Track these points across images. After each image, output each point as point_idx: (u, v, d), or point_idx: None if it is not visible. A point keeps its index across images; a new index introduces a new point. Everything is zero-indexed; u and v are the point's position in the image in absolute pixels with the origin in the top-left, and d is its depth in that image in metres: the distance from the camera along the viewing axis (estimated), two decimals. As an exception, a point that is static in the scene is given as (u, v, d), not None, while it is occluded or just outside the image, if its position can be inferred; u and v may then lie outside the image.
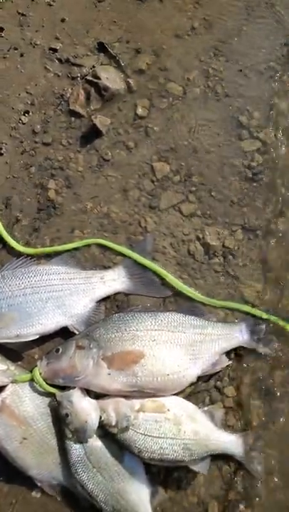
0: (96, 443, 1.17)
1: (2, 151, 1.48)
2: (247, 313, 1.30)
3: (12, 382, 1.21)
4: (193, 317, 1.26)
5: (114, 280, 1.33)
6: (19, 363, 1.28)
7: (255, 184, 1.44)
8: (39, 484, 1.19)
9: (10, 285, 1.28)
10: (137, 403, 1.18)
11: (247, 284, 1.34)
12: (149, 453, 1.15)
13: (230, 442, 1.20)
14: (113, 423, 1.15)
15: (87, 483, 1.16)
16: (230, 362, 1.26)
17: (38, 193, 1.44)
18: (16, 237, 1.39)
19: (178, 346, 1.22)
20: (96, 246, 1.38)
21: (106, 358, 1.18)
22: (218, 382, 1.28)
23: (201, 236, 1.39)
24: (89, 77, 1.52)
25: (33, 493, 1.21)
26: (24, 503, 1.22)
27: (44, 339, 1.30)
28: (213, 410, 1.23)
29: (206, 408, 1.24)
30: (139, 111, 1.51)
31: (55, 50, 1.58)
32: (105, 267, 1.37)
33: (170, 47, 1.58)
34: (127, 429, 1.15)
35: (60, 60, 1.57)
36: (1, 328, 1.24)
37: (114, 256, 1.38)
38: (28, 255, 1.35)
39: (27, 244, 1.39)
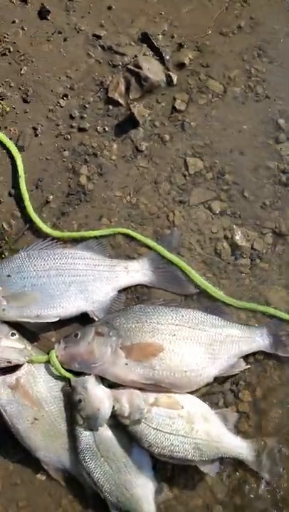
0: (106, 432, 1.16)
1: (37, 132, 1.47)
2: (271, 317, 1.28)
3: (28, 362, 1.21)
4: (215, 316, 1.25)
5: (138, 271, 1.32)
6: (35, 343, 1.28)
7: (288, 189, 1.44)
8: (45, 467, 1.19)
9: (35, 265, 1.27)
10: (151, 397, 1.16)
11: (273, 288, 1.32)
12: (160, 448, 1.14)
13: (242, 448, 1.18)
14: (126, 414, 1.14)
15: (94, 472, 1.15)
16: (248, 366, 1.24)
17: (69, 178, 1.44)
18: (44, 219, 1.39)
19: (198, 344, 1.20)
20: (122, 236, 1.38)
21: (125, 347, 1.17)
22: (234, 386, 1.26)
23: (229, 235, 1.37)
24: (130, 66, 1.51)
25: (38, 476, 1.21)
26: (28, 484, 1.21)
27: (62, 323, 1.29)
28: (226, 413, 1.21)
29: (219, 410, 1.22)
30: (178, 105, 1.50)
31: (98, 37, 1.58)
32: (130, 258, 1.36)
33: (214, 44, 1.57)
34: (139, 421, 1.14)
35: (102, 47, 1.56)
36: (22, 307, 1.23)
37: (139, 247, 1.37)
38: (54, 238, 1.36)
39: (54, 227, 1.39)
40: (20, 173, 1.41)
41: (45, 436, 1.18)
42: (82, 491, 1.19)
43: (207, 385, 1.22)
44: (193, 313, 1.23)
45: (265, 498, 1.19)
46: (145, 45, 1.56)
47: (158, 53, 1.55)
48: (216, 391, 1.25)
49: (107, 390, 1.17)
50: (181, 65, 1.54)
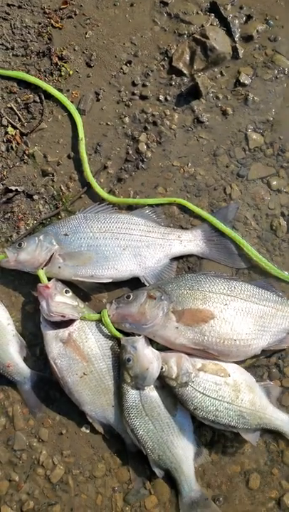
0: (152, 393, 1.19)
1: (99, 97, 1.48)
2: None
3: (80, 319, 1.25)
4: (266, 291, 1.25)
5: (191, 241, 1.33)
6: (87, 303, 1.31)
7: None
8: (90, 420, 1.23)
9: (91, 227, 1.30)
10: (199, 362, 1.19)
11: None
12: (205, 412, 1.16)
13: (285, 421, 1.19)
14: (174, 376, 1.16)
15: (138, 429, 1.18)
16: (298, 342, 1.27)
17: (128, 144, 1.45)
18: (101, 183, 1.41)
19: (248, 315, 1.21)
20: (177, 206, 1.39)
21: (176, 311, 1.19)
22: (280, 361, 1.26)
23: (286, 213, 1.36)
24: (197, 36, 1.49)
25: (83, 428, 1.25)
26: (73, 435, 1.25)
27: (113, 286, 1.32)
28: (270, 387, 1.23)
29: (263, 383, 1.24)
30: (242, 78, 1.48)
31: (165, 4, 1.55)
32: (183, 228, 1.37)
33: (284, 18, 1.53)
34: (186, 384, 1.16)
35: (169, 15, 1.55)
36: (78, 266, 1.27)
37: (193, 218, 1.38)
38: (110, 203, 1.38)
39: (110, 192, 1.41)
40: (80, 136, 1.42)
41: (93, 391, 1.22)
42: (124, 446, 1.23)
43: (254, 357, 1.24)
44: (245, 286, 1.24)
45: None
46: (213, 15, 1.54)
47: (225, 24, 1.52)
48: (262, 364, 1.26)
49: (156, 352, 1.20)
50: (248, 38, 1.51)
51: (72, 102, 1.47)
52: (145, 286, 1.28)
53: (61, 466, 1.24)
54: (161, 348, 1.23)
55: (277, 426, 1.20)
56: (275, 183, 1.39)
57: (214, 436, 1.24)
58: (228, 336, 1.18)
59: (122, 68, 1.52)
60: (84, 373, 1.21)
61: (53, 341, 1.22)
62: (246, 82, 1.48)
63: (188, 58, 1.50)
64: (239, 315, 1.20)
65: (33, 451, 1.25)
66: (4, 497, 1.22)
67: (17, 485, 1.23)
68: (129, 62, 1.52)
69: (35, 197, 1.42)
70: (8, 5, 1.56)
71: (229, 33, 1.52)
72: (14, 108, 1.48)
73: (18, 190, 1.42)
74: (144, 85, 1.49)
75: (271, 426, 1.20)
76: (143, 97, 1.48)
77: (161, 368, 1.18)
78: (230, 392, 1.16)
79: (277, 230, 1.35)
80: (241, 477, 1.22)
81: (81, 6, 1.57)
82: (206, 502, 1.18)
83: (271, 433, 1.23)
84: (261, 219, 1.36)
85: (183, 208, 1.38)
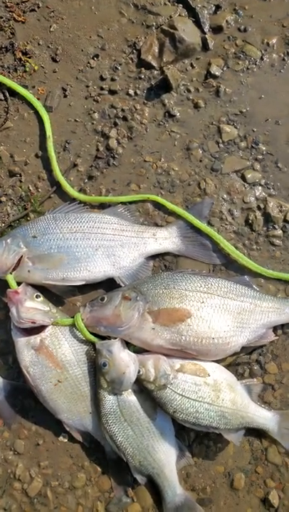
0: (130, 397, 1.15)
1: (66, 93, 1.43)
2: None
3: (53, 324, 1.19)
4: (244, 286, 1.23)
5: (166, 239, 1.29)
6: (60, 308, 1.26)
7: None
8: (67, 429, 1.18)
9: (61, 227, 1.25)
10: (177, 363, 1.15)
11: (304, 261, 1.31)
12: (184, 415, 1.13)
13: (267, 418, 1.17)
14: (151, 379, 1.12)
15: (117, 435, 1.14)
16: (277, 337, 1.22)
17: (98, 141, 1.40)
18: (71, 182, 1.36)
19: (226, 312, 1.18)
20: (151, 202, 1.35)
21: (152, 312, 1.15)
22: (261, 357, 1.24)
23: (262, 206, 1.34)
24: (165, 27, 1.45)
25: (60, 438, 1.20)
26: (51, 445, 1.20)
27: (87, 289, 1.27)
28: (251, 384, 1.20)
29: (244, 381, 1.21)
30: (213, 70, 1.44)
31: (132, -4, 1.54)
32: (158, 225, 1.33)
33: (253, 8, 1.50)
34: (164, 387, 1.12)
35: (136, 6, 1.50)
36: (48, 269, 1.21)
37: (167, 215, 1.34)
38: (81, 202, 1.33)
39: (81, 191, 1.36)
40: (48, 134, 1.37)
41: (68, 399, 1.17)
42: (104, 454, 1.18)
43: (234, 354, 1.20)
44: (222, 282, 1.21)
45: (287, 468, 1.19)
46: (181, 5, 1.50)
47: (194, 15, 1.49)
48: (243, 361, 1.23)
49: (133, 355, 1.16)
50: (217, 29, 1.48)
51: (38, 98, 1.41)
52: (120, 287, 1.24)
53: (39, 479, 1.18)
54: (138, 350, 1.18)
55: (260, 424, 1.17)
56: (249, 176, 1.36)
57: (197, 437, 1.20)
58: (205, 334, 1.14)
59: (89, 62, 1.47)
60: (58, 381, 1.16)
61: (25, 349, 1.17)
62: (217, 73, 1.45)
63: (157, 51, 1.45)
64: (216, 312, 1.16)
65: (8, 464, 1.19)
66: (-20, 514, 1.17)
67: (-7, 501, 1.19)
68: (97, 56, 1.47)
69: (3, 199, 1.36)
70: None
71: (198, 23, 1.48)
72: (-23, 106, 1.44)
73: (-15, 192, 1.38)
74: (112, 79, 1.45)
75: (254, 424, 1.17)
76: (112, 92, 1.43)
77: (139, 371, 1.13)
78: (210, 393, 1.13)
79: (254, 223, 1.32)
80: (225, 478, 1.19)
81: (44, -2, 1.53)
82: (191, 506, 1.15)
83: (254, 431, 1.20)
84: (237, 213, 1.34)
85: (157, 205, 1.34)
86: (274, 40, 1.47)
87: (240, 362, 1.23)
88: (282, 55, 1.47)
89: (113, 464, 1.18)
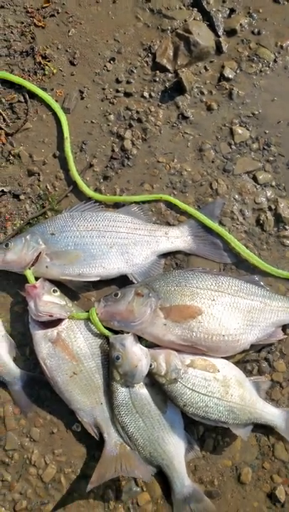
0: (142, 390, 1.19)
1: (83, 95, 1.48)
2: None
3: (69, 318, 1.24)
4: (254, 285, 1.25)
5: (178, 237, 1.33)
6: (76, 302, 1.31)
7: None
8: (80, 419, 1.22)
9: (78, 225, 1.30)
10: (187, 358, 1.19)
11: (315, 261, 1.33)
12: (194, 408, 1.16)
13: (275, 415, 1.20)
14: (162, 373, 1.16)
15: (129, 427, 1.18)
16: (286, 336, 1.25)
17: (113, 142, 1.44)
18: (87, 181, 1.41)
19: (236, 310, 1.21)
20: (164, 202, 1.38)
21: (164, 308, 1.19)
22: (269, 355, 1.27)
23: (273, 207, 1.36)
24: (180, 31, 1.49)
25: (74, 427, 1.25)
26: (64, 434, 1.25)
27: (101, 285, 1.32)
28: (259, 381, 1.23)
29: (252, 378, 1.24)
30: (226, 72, 1.47)
31: (148, 0, 1.56)
32: (170, 224, 1.37)
33: (267, 11, 1.53)
34: (175, 381, 1.16)
35: (152, 11, 1.54)
36: (65, 265, 1.27)
37: (179, 215, 1.37)
38: (96, 201, 1.38)
39: (97, 190, 1.41)
40: (65, 135, 1.42)
41: (83, 391, 1.21)
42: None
43: (243, 352, 1.24)
44: (232, 281, 1.24)
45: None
46: (196, 9, 1.54)
47: (208, 18, 1.52)
48: (252, 359, 1.26)
49: (145, 349, 1.20)
50: (231, 32, 1.51)
51: (56, 100, 1.46)
52: (133, 283, 1.28)
53: (53, 465, 1.24)
54: (150, 345, 1.23)
55: (267, 420, 1.20)
56: (261, 177, 1.38)
57: (205, 431, 1.24)
58: (216, 331, 1.18)
59: (105, 66, 1.51)
60: (74, 373, 1.21)
61: (42, 341, 1.22)
62: (230, 76, 1.48)
63: (171, 54, 1.49)
64: (227, 310, 1.20)
65: (24, 450, 1.25)
66: (-3, 497, 1.23)
67: (9, 485, 1.23)
68: (113, 59, 1.52)
69: (22, 197, 1.42)
70: (-10, 5, 1.57)
71: (212, 27, 1.52)
72: (-2, 108, 1.50)
73: (5, 190, 1.41)
74: (128, 82, 1.49)
75: (262, 420, 1.20)
76: (127, 94, 1.48)
77: (150, 365, 1.17)
78: (219, 388, 1.16)
79: (265, 224, 1.35)
80: (233, 472, 1.23)
81: (63, 4, 1.57)
82: (199, 497, 1.19)
83: (262, 427, 1.23)
84: (248, 214, 1.36)
85: (169, 205, 1.37)
86: (287, 43, 1.49)
87: (249, 359, 1.26)
88: (296, 58, 1.50)
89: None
